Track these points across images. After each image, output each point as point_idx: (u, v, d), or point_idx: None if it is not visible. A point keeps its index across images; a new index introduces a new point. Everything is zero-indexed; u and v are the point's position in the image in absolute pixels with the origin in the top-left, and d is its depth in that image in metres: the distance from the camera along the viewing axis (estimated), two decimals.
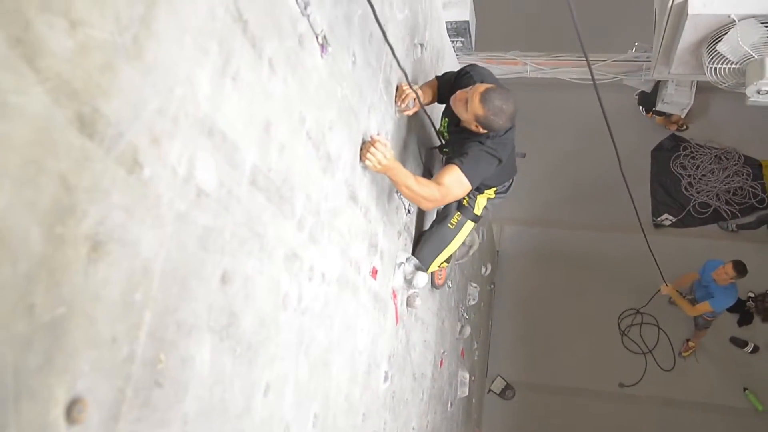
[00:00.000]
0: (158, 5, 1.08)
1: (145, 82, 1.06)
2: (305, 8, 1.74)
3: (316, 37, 1.85)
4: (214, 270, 1.35)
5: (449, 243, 3.40)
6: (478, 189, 3.29)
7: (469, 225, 3.40)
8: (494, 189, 3.35)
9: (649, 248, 5.07)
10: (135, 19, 1.02)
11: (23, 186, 0.84)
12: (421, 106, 2.94)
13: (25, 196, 0.84)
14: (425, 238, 3.47)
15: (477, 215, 3.39)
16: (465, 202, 3.33)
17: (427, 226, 3.61)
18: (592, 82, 2.58)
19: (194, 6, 1.18)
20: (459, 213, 3.35)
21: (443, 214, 3.43)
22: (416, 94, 2.87)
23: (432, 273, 3.92)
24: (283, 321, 1.77)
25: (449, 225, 3.37)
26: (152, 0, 1.06)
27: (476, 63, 3.54)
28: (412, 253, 3.40)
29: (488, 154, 2.86)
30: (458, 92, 2.86)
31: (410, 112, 3.02)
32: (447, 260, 3.53)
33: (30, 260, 0.86)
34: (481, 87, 2.75)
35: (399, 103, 2.89)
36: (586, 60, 2.38)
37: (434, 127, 3.31)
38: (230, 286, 1.43)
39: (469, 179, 2.81)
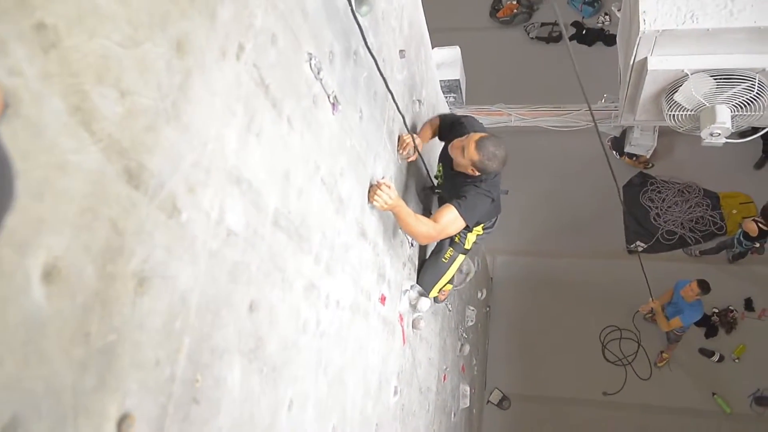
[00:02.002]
0: (193, 75, 1.11)
1: (182, 140, 1.09)
2: (318, 73, 1.78)
3: (328, 97, 1.89)
4: (242, 300, 1.36)
5: (444, 273, 3.42)
6: (467, 227, 3.27)
7: (461, 258, 3.40)
8: (482, 225, 3.32)
9: (642, 269, 5.02)
10: (174, 87, 1.06)
11: (80, 231, 0.86)
12: (419, 154, 2.97)
13: (82, 239, 0.86)
14: (424, 270, 3.49)
15: (467, 249, 3.38)
16: (457, 239, 3.31)
17: (427, 256, 3.61)
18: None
19: (223, 74, 1.22)
20: (451, 248, 3.35)
21: (437, 248, 3.43)
22: (415, 143, 2.89)
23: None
24: (304, 344, 1.77)
25: (443, 259, 3.39)
26: (188, 70, 1.09)
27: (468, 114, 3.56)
28: (416, 281, 3.40)
29: (484, 195, 2.87)
30: (455, 140, 2.87)
31: (411, 159, 3.03)
32: (445, 286, 3.52)
33: (86, 294, 0.88)
34: (476, 136, 2.77)
35: (401, 151, 2.92)
36: (590, 110, 2.45)
37: (428, 171, 3.34)
38: (257, 313, 1.43)
39: (465, 219, 2.82)
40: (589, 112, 2.49)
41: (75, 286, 0.86)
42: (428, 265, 3.49)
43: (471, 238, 3.35)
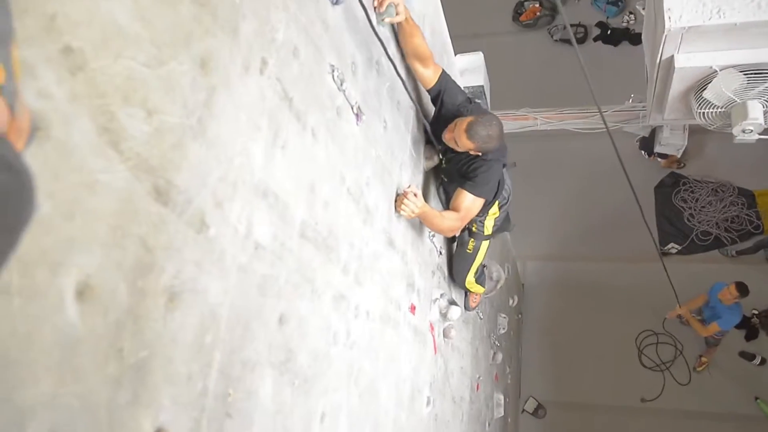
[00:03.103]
0: (217, 91, 1.12)
1: (209, 155, 1.10)
2: (341, 84, 1.79)
3: (352, 108, 1.90)
4: (272, 312, 1.37)
5: (474, 261, 3.39)
6: (481, 212, 3.07)
7: (485, 244, 3.34)
8: (498, 203, 3.13)
9: (666, 273, 4.95)
10: (199, 104, 1.07)
11: (111, 249, 0.87)
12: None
13: (113, 257, 0.88)
14: (453, 262, 3.50)
15: (488, 235, 3.31)
16: (474, 229, 3.22)
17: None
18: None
19: (247, 89, 1.23)
20: (472, 239, 3.29)
21: (460, 241, 3.40)
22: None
23: (467, 296, 3.89)
24: (335, 355, 1.77)
25: (467, 250, 3.36)
26: (212, 87, 1.11)
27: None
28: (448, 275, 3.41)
29: (493, 163, 2.77)
30: (445, 132, 2.72)
31: (392, 20, 2.23)
32: (478, 272, 3.50)
33: (118, 311, 0.89)
34: (462, 123, 2.60)
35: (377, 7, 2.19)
36: (600, 113, 2.39)
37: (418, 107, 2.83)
38: (287, 326, 1.44)
39: (483, 195, 2.77)
40: (616, 113, 2.45)
41: (107, 303, 0.87)
42: (455, 257, 3.49)
43: (489, 223, 3.26)
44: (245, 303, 1.24)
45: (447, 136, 2.71)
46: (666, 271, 4.93)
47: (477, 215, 3.06)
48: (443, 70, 2.73)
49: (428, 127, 2.79)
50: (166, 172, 0.98)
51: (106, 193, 0.86)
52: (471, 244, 3.31)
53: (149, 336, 0.96)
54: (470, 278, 3.47)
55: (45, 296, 0.77)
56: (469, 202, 2.75)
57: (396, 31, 2.45)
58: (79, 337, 0.82)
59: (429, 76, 2.67)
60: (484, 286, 3.76)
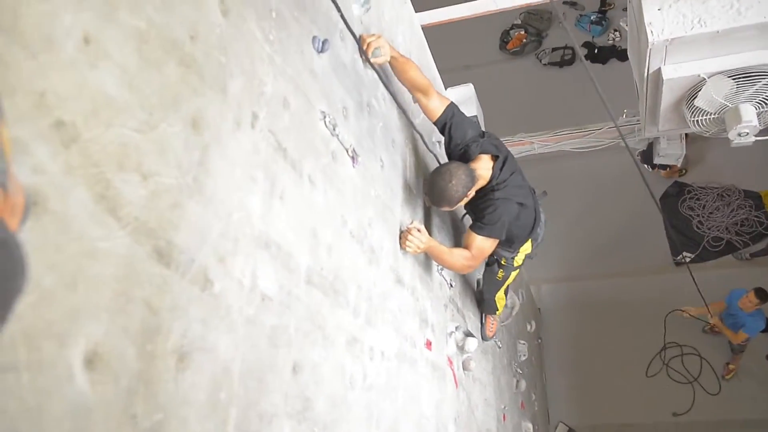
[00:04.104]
0: (211, 149, 1.14)
1: (207, 213, 1.11)
2: (334, 129, 1.81)
3: (347, 151, 1.92)
4: (285, 362, 1.36)
5: (503, 285, 3.53)
6: (512, 247, 3.17)
7: (515, 273, 3.45)
8: (530, 241, 3.19)
9: (693, 279, 4.86)
10: (194, 163, 1.09)
11: (116, 315, 0.87)
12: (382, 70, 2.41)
13: (119, 323, 0.88)
14: (484, 283, 3.63)
15: (518, 266, 3.39)
16: (504, 262, 3.28)
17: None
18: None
19: (240, 144, 1.25)
20: (501, 270, 3.37)
21: (489, 268, 3.46)
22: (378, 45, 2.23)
23: (483, 326, 3.91)
24: (353, 399, 1.75)
25: (497, 278, 3.44)
26: (205, 145, 1.13)
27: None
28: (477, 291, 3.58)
29: (503, 201, 2.69)
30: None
31: (379, 62, 2.27)
32: (507, 290, 3.67)
33: (129, 376, 0.89)
34: (424, 196, 2.79)
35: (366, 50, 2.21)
36: (617, 129, 2.40)
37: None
38: (301, 374, 1.43)
39: (495, 236, 2.72)
40: (612, 129, 2.46)
41: (117, 369, 0.87)
42: (485, 277, 3.59)
43: (519, 258, 3.32)
44: (257, 356, 1.24)
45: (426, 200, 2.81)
46: (692, 275, 4.84)
47: (508, 252, 3.10)
48: (452, 103, 2.68)
49: (439, 159, 2.80)
50: (166, 233, 0.99)
51: (108, 260, 0.86)
52: (500, 274, 3.41)
53: (162, 399, 0.95)
54: (500, 295, 3.63)
55: (53, 368, 0.77)
56: (478, 242, 2.71)
57: (388, 73, 2.50)
58: (91, 406, 0.81)
59: (433, 108, 2.63)
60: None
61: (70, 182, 0.82)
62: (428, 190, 2.61)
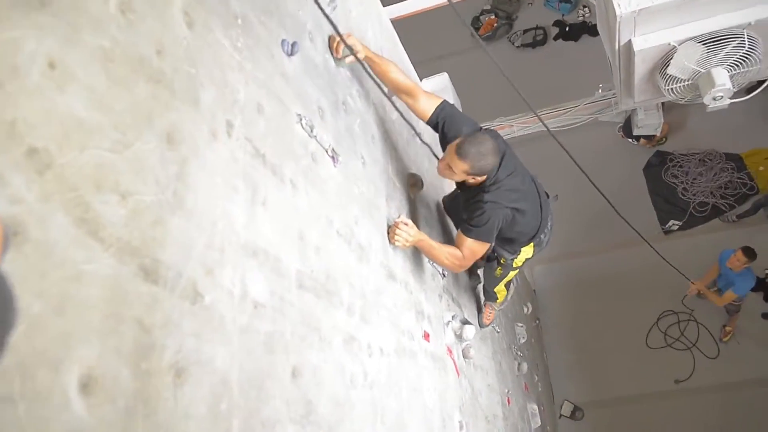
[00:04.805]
0: (188, 162, 1.14)
1: (190, 226, 1.11)
2: (311, 131, 1.81)
3: (326, 152, 1.92)
4: (283, 368, 1.36)
5: (502, 280, 3.54)
6: (513, 250, 3.14)
7: (513, 272, 3.45)
8: (532, 245, 3.13)
9: (666, 259, 4.92)
10: (172, 178, 1.09)
11: (108, 336, 0.87)
12: (359, 61, 2.36)
13: (111, 344, 0.88)
14: (484, 276, 3.69)
15: (517, 267, 3.35)
16: (503, 261, 3.26)
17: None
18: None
19: (217, 154, 1.25)
20: (500, 268, 3.36)
21: (488, 264, 3.48)
22: (348, 45, 2.24)
23: (480, 313, 3.98)
24: (355, 398, 1.76)
25: (495, 274, 3.45)
26: (183, 159, 1.12)
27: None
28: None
29: (490, 205, 2.57)
30: (439, 165, 2.61)
31: (350, 60, 2.30)
32: (508, 283, 3.70)
33: (126, 397, 0.89)
34: (452, 147, 2.47)
35: (335, 55, 2.25)
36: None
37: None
38: (301, 378, 1.43)
39: (484, 240, 2.64)
40: (588, 105, 2.47)
41: (114, 391, 0.87)
42: (485, 272, 3.63)
43: (519, 260, 3.28)
44: (254, 364, 1.24)
45: (440, 166, 2.58)
46: (669, 259, 4.90)
47: (509, 253, 3.10)
48: (444, 101, 2.63)
49: (434, 151, 2.75)
50: (151, 251, 0.99)
51: (94, 282, 0.86)
52: (499, 271, 3.41)
53: (162, 416, 0.95)
54: (500, 287, 3.65)
55: (49, 396, 0.77)
56: (468, 244, 2.64)
57: (360, 71, 2.49)
58: (89, 431, 0.81)
59: (422, 109, 2.58)
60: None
61: (48, 209, 0.81)
62: (461, 149, 2.42)
